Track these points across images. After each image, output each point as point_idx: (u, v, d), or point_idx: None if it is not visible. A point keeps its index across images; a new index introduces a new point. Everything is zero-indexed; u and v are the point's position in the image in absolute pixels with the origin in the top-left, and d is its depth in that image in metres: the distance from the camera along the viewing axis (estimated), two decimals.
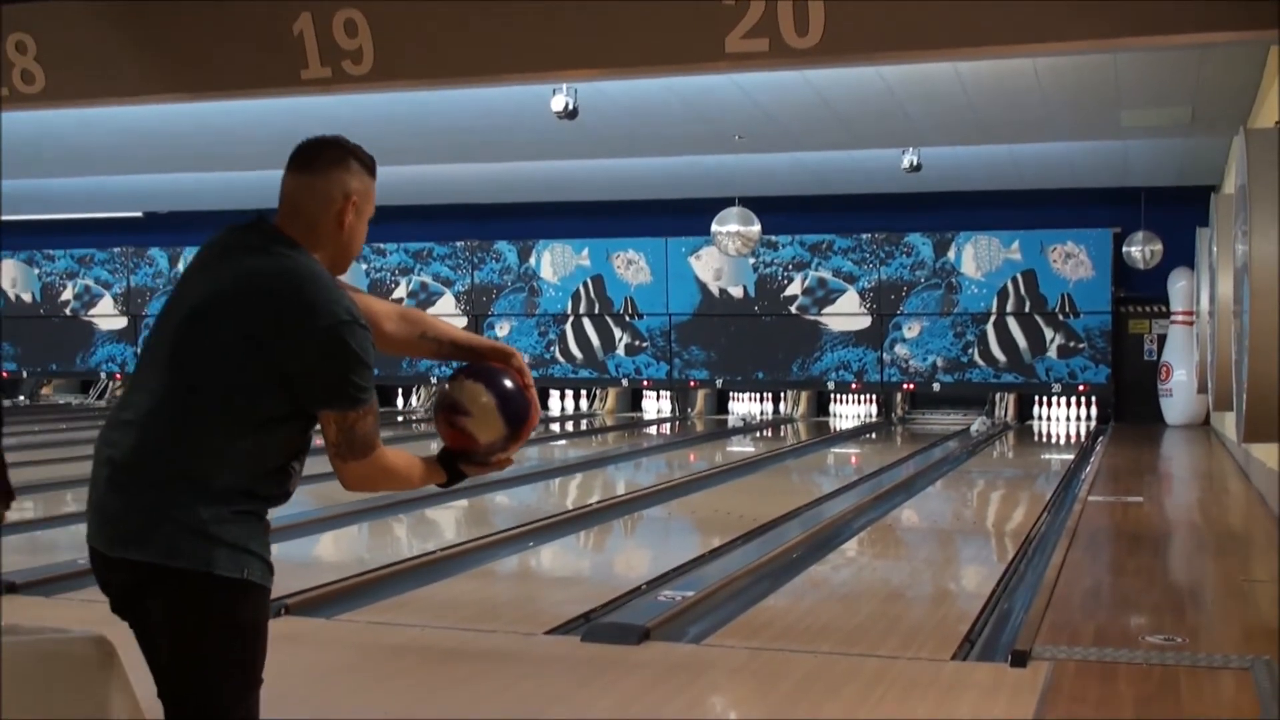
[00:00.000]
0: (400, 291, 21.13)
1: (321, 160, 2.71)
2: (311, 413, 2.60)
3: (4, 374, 22.57)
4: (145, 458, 2.54)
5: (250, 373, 2.55)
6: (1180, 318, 17.32)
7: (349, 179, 2.71)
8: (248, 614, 2.59)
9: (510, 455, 2.94)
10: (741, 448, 15.68)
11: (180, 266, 22.14)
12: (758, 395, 19.91)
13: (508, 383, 2.88)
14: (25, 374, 23.41)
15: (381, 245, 21.21)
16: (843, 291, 19.02)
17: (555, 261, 20.41)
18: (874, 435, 17.34)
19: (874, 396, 19.37)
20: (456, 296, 20.93)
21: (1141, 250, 16.78)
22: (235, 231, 2.72)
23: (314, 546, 8.15)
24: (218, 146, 14.19)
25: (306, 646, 5.30)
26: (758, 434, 17.56)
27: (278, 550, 2.68)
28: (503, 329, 20.68)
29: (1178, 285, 17.27)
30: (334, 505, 9.62)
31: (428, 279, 21.08)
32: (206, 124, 12.75)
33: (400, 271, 21.20)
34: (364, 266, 21.27)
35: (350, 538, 8.62)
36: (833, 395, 19.56)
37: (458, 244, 20.88)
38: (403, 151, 14.77)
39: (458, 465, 2.89)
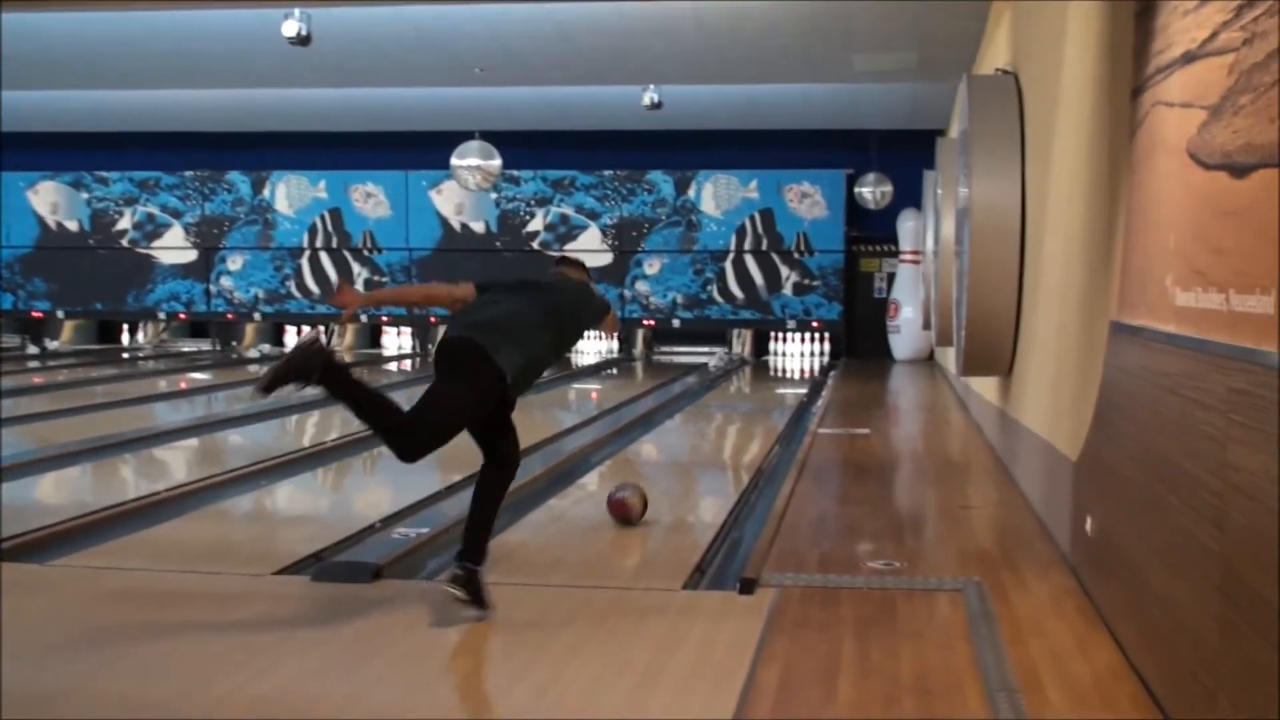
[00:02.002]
0: (125, 223, 20.20)
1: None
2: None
3: None
4: (511, 325, 4.79)
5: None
6: (908, 257, 18.00)
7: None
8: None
9: None
10: None
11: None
12: None
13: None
14: None
15: (105, 174, 20.22)
16: (585, 228, 19.10)
17: (291, 194, 19.85)
18: (615, 371, 17.52)
19: (615, 333, 19.55)
20: (185, 229, 20.14)
21: (873, 191, 17.37)
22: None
23: (33, 489, 7.75)
24: None
25: (20, 594, 5.03)
26: None
27: None
28: (235, 263, 20.03)
29: (906, 226, 17.93)
30: (53, 446, 9.19)
31: (155, 209, 20.21)
32: None
33: (125, 201, 20.26)
34: (85, 196, 20.27)
35: (72, 479, 8.23)
36: None
37: (187, 174, 20.07)
38: (127, 75, 14.09)
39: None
